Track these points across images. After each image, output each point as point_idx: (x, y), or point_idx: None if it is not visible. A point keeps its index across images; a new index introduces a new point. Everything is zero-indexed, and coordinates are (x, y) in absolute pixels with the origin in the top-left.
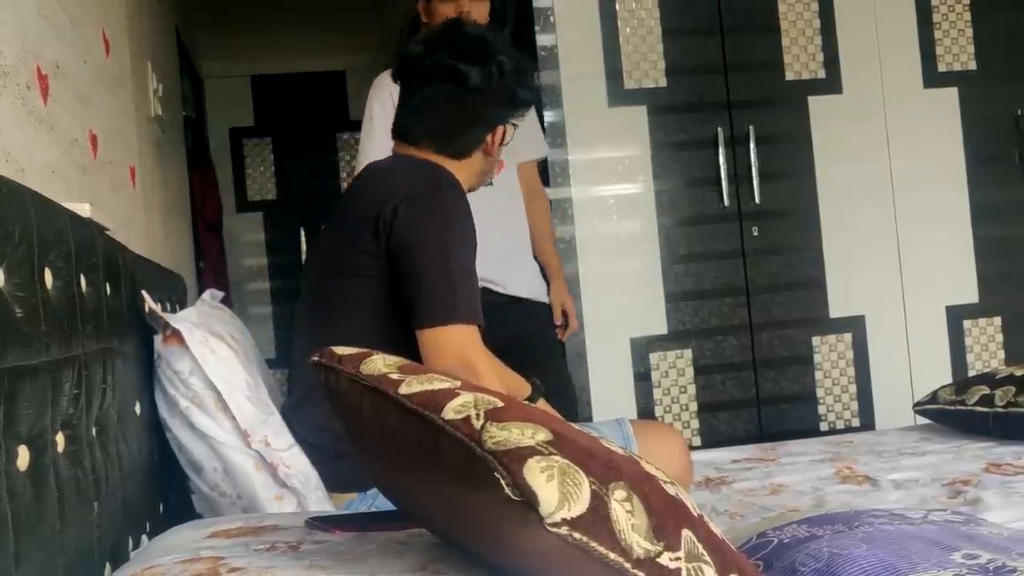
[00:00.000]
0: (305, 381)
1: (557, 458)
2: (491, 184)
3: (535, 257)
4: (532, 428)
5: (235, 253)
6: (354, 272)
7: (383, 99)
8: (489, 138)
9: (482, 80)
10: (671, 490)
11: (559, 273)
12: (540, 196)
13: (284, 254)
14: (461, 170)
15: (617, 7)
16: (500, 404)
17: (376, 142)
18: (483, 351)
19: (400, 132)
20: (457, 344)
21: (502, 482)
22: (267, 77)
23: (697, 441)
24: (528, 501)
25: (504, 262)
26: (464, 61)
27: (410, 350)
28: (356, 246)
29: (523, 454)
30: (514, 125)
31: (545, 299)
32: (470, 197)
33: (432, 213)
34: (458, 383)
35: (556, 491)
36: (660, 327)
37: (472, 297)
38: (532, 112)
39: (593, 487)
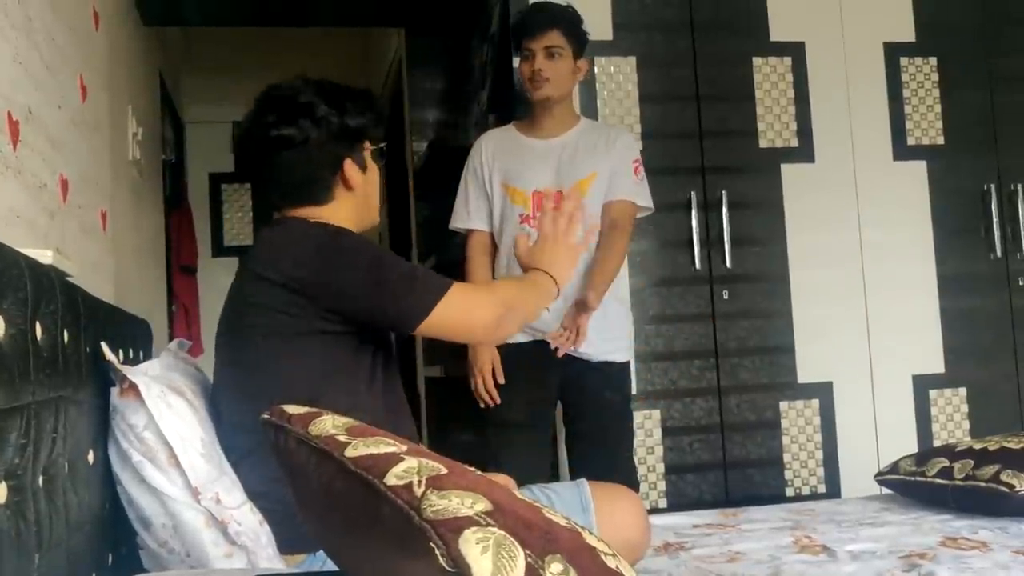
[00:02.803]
0: (245, 440)
1: (494, 529)
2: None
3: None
4: (472, 497)
5: (210, 297)
6: (279, 332)
7: (474, 161)
8: (339, 176)
9: (299, 135)
10: (611, 563)
11: (593, 299)
12: (619, 232)
13: None
14: (336, 213)
15: (596, 70)
16: (443, 471)
17: (459, 204)
18: (486, 284)
19: (267, 205)
20: (462, 305)
21: (437, 552)
22: None
23: (663, 503)
24: (461, 573)
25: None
26: (277, 127)
27: (354, 393)
28: (274, 307)
29: (460, 524)
30: (375, 146)
31: (613, 358)
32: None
33: (343, 251)
34: (404, 447)
35: (490, 563)
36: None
37: (429, 272)
38: (627, 155)
39: (528, 560)
